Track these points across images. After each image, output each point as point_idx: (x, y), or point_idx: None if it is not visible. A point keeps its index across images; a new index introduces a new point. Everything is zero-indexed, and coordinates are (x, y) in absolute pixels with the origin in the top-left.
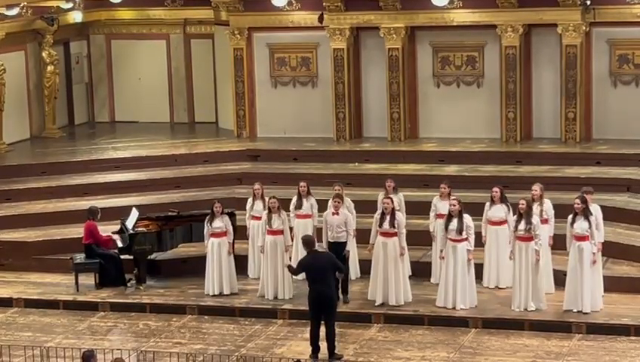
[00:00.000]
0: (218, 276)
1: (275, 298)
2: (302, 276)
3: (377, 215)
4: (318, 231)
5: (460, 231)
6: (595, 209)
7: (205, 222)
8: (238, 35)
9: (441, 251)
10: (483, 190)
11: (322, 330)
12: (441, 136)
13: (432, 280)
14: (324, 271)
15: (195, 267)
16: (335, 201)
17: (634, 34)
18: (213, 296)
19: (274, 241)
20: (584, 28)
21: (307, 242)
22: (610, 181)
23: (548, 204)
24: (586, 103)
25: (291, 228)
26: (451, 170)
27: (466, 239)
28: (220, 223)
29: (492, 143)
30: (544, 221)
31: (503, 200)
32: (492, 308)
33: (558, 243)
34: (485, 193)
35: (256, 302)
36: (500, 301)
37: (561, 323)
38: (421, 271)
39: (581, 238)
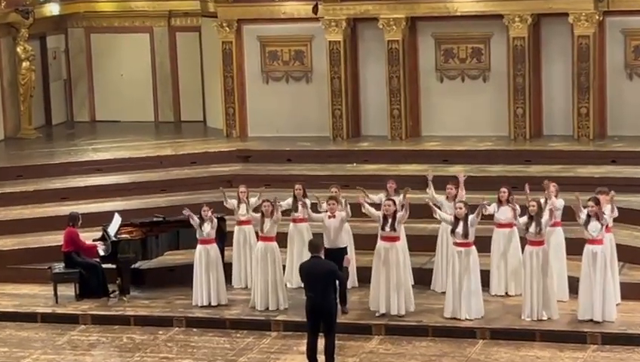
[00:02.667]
0: (206, 286)
1: (267, 309)
2: (298, 283)
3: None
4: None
5: (465, 235)
6: (607, 211)
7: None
8: (226, 28)
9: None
10: (490, 191)
11: (320, 343)
12: (444, 134)
13: (436, 288)
14: (323, 280)
15: (182, 276)
16: (330, 204)
17: None
18: (202, 306)
19: (265, 248)
20: (597, 17)
21: (313, 246)
22: (625, 181)
23: (559, 202)
24: (599, 98)
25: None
26: (456, 170)
27: (473, 243)
28: (209, 228)
29: (499, 141)
30: (557, 223)
31: (510, 200)
32: (500, 317)
33: (571, 249)
34: (493, 195)
35: (247, 314)
36: (508, 310)
37: (574, 333)
38: (425, 279)
39: (594, 242)
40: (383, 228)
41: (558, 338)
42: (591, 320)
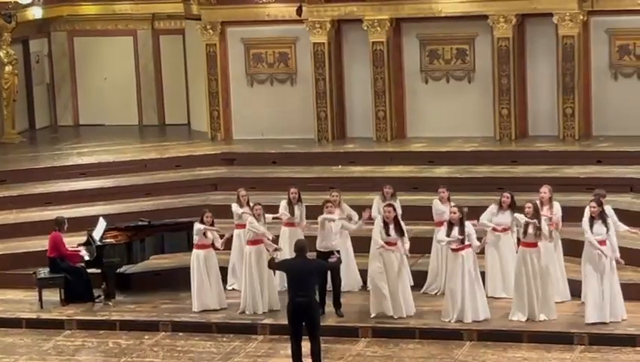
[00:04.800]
0: (208, 290)
1: (257, 312)
2: (282, 286)
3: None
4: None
5: (461, 239)
6: (609, 210)
7: (195, 233)
8: (210, 30)
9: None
10: (476, 192)
11: (305, 346)
12: (430, 136)
13: (429, 291)
14: (308, 279)
15: (168, 280)
16: (327, 207)
17: (635, 23)
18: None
19: (257, 250)
20: (582, 17)
21: (300, 247)
22: (611, 181)
23: (557, 207)
24: (584, 98)
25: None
26: (442, 171)
27: (469, 246)
28: (210, 234)
29: (485, 142)
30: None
31: (512, 207)
32: (488, 319)
33: (569, 250)
34: (479, 196)
35: (234, 317)
36: (496, 311)
37: (561, 334)
38: (413, 281)
39: (600, 243)
40: (385, 233)
41: (545, 339)
42: (602, 323)
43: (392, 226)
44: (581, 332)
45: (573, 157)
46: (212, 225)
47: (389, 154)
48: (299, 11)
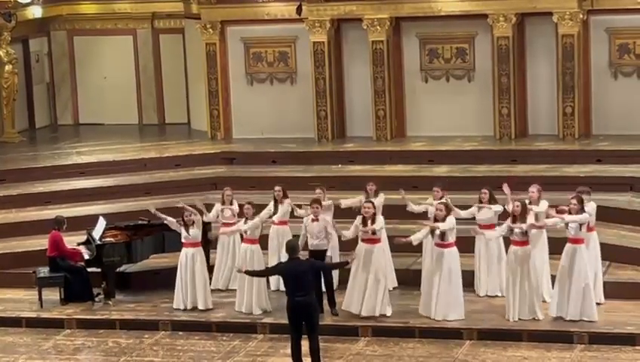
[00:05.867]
0: (192, 289)
1: (251, 312)
2: (275, 285)
3: (358, 221)
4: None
5: (444, 235)
6: (592, 207)
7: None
8: (210, 29)
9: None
10: (476, 191)
11: (305, 344)
12: (430, 135)
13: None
14: (305, 279)
15: (167, 279)
16: (314, 207)
17: (634, 22)
18: (185, 310)
19: (249, 250)
20: (581, 16)
21: (291, 247)
22: (611, 180)
23: (543, 206)
24: (584, 97)
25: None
26: (442, 170)
27: (453, 244)
28: (194, 229)
29: (485, 141)
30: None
31: (492, 202)
32: (487, 318)
33: (553, 248)
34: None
35: (233, 316)
36: (495, 310)
37: (561, 333)
38: (411, 280)
39: (575, 241)
40: (363, 231)
41: (545, 338)
42: (561, 318)
43: (369, 224)
44: (581, 331)
45: (572, 156)
46: (192, 224)
47: (389, 153)
48: (298, 10)
